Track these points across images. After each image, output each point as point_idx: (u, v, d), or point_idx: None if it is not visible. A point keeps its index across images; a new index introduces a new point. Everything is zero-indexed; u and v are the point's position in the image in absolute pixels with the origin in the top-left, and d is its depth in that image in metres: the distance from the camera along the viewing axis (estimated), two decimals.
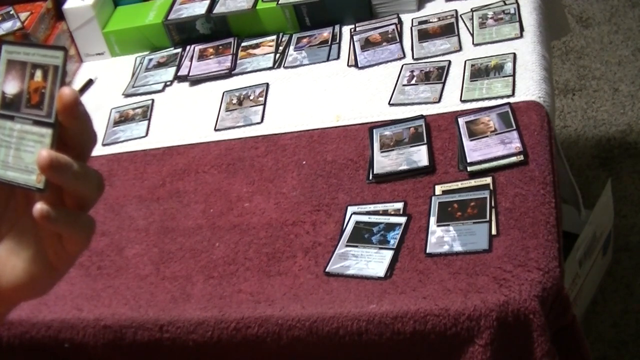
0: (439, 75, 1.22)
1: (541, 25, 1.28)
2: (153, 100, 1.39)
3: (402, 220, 1.01)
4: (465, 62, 1.23)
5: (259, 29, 1.45)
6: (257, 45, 1.43)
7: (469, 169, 1.04)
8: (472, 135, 1.08)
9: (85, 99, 1.47)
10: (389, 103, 1.21)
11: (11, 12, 1.46)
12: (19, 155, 0.52)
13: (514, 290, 0.87)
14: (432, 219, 0.99)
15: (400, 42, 1.33)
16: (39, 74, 0.52)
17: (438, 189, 1.04)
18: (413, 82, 1.23)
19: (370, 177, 1.09)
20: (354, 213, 1.04)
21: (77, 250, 0.54)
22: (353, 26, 1.41)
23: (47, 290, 0.57)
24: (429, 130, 1.13)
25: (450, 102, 1.17)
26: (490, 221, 0.96)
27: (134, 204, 1.18)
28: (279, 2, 1.41)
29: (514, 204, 0.98)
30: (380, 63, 1.30)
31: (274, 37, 1.43)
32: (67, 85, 0.52)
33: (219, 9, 1.45)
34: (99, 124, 1.37)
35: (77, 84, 1.51)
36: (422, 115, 1.15)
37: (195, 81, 1.40)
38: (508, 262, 0.91)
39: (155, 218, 1.14)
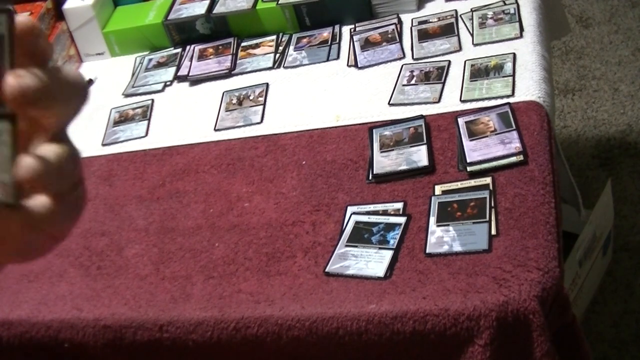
0: (438, 75, 1.22)
1: (541, 25, 1.28)
2: (153, 100, 1.39)
3: (402, 220, 1.01)
4: (465, 62, 1.23)
5: (259, 29, 1.45)
6: (257, 45, 1.43)
7: (468, 169, 1.04)
8: (472, 135, 1.08)
9: None
10: (388, 103, 1.21)
11: None
12: None
13: (513, 290, 0.87)
14: (432, 219, 0.99)
15: (400, 42, 1.33)
16: None
17: (438, 189, 1.03)
18: (413, 82, 1.23)
19: (370, 177, 1.09)
20: (354, 213, 1.04)
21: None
22: (353, 26, 1.41)
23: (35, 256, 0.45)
24: (429, 130, 1.13)
25: (450, 102, 1.17)
26: (490, 221, 0.96)
27: (134, 204, 1.18)
28: (279, 2, 1.41)
29: (514, 204, 0.98)
30: (380, 63, 1.30)
31: (274, 37, 1.43)
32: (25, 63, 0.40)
33: (218, 9, 1.45)
34: (99, 124, 1.37)
35: None
36: (422, 115, 1.15)
37: (195, 81, 1.40)
38: (508, 262, 0.91)
39: (155, 218, 1.14)
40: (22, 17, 0.40)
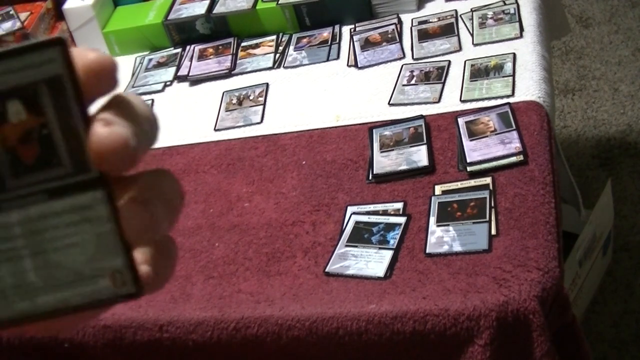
0: (438, 75, 1.22)
1: (541, 25, 1.28)
2: (153, 100, 1.39)
3: (402, 220, 1.01)
4: (465, 62, 1.23)
5: (259, 29, 1.45)
6: (257, 45, 1.43)
7: (468, 169, 1.04)
8: (472, 135, 1.08)
9: None
10: (388, 103, 1.21)
11: (11, 12, 1.46)
12: (48, 261, 0.30)
13: (513, 290, 0.87)
14: (432, 219, 0.99)
15: (400, 42, 1.33)
16: (16, 108, 0.29)
17: (438, 189, 1.03)
18: (413, 82, 1.23)
19: (370, 177, 1.09)
20: (354, 213, 1.04)
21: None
22: (353, 26, 1.41)
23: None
24: (429, 130, 1.13)
25: (450, 102, 1.17)
26: (490, 221, 0.96)
27: None
28: (279, 2, 1.41)
29: (514, 204, 0.98)
30: (380, 63, 1.30)
31: (274, 37, 1.43)
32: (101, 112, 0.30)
33: (219, 9, 1.45)
34: None
35: None
36: (422, 115, 1.15)
37: (195, 81, 1.40)
38: (508, 262, 0.91)
39: None
40: (93, 53, 0.30)
